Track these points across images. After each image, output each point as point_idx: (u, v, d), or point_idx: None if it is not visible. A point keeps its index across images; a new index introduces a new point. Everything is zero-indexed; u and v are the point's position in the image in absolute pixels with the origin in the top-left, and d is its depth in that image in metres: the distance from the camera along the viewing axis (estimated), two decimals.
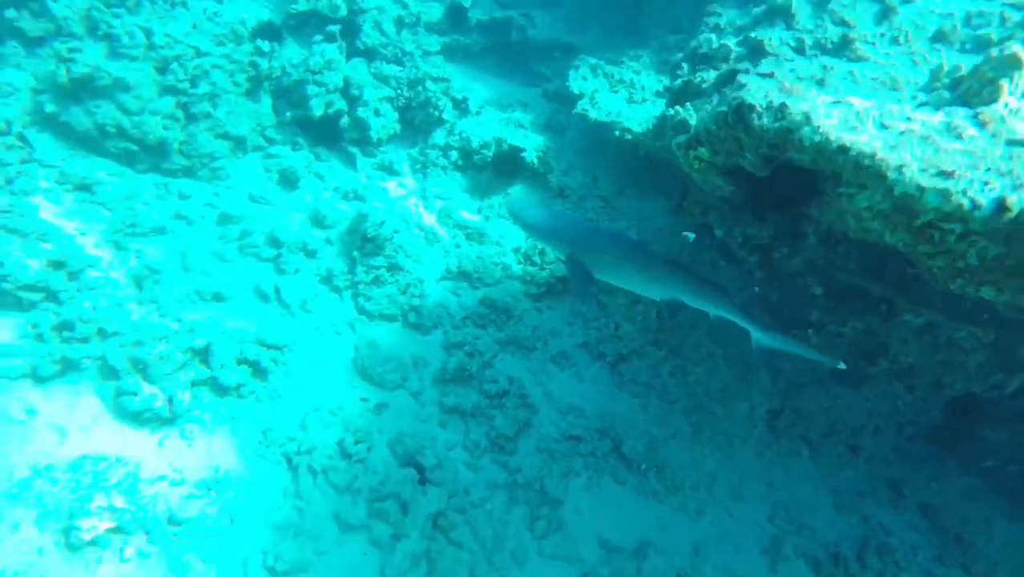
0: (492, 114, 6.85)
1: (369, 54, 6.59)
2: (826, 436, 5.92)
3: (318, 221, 5.93)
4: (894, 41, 3.86)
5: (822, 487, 5.75)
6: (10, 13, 5.48)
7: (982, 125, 2.31)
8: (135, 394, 4.31)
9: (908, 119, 2.36)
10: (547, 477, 4.91)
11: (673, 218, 6.19)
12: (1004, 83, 2.39)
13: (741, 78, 2.75)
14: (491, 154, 6.35)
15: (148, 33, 5.42)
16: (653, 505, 5.13)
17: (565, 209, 5.70)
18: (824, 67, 3.47)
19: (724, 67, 3.93)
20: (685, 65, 4.18)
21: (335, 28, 6.30)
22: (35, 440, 4.06)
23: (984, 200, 1.91)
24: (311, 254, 5.71)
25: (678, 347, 5.87)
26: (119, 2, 5.57)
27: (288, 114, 6.16)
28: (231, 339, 4.83)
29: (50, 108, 5.37)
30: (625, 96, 6.42)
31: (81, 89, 5.32)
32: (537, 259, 6.02)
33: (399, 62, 6.56)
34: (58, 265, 4.62)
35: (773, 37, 3.91)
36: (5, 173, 5.04)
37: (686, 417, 5.67)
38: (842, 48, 3.79)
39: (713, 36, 4.18)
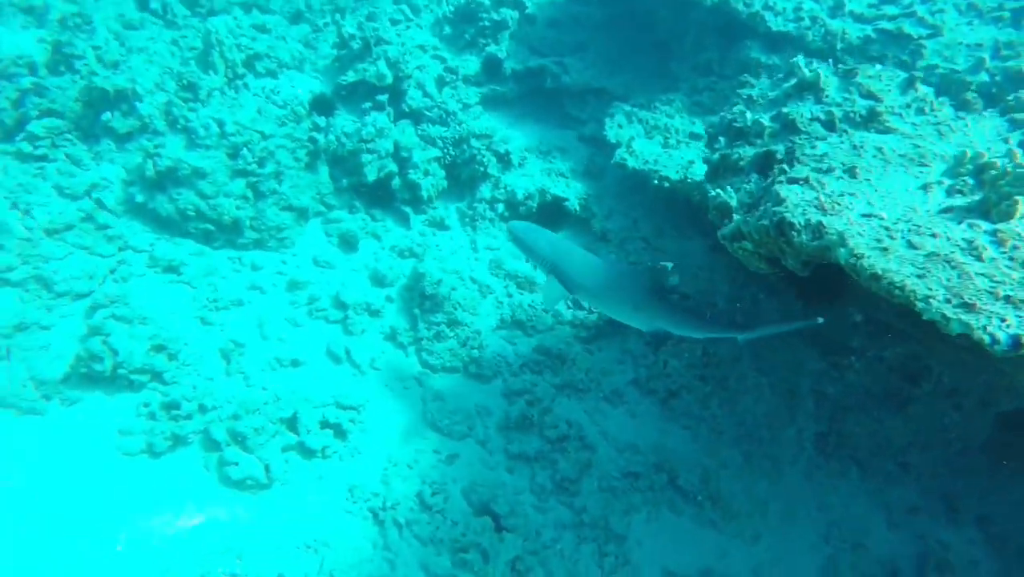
0: (534, 163, 7.21)
1: (415, 116, 7.01)
2: (874, 455, 6.13)
3: (379, 280, 6.38)
4: (920, 111, 4.12)
5: (874, 505, 5.97)
6: (105, 116, 6.06)
7: (1000, 244, 2.59)
8: (236, 464, 4.81)
9: (933, 235, 2.65)
10: (610, 514, 5.28)
11: (712, 256, 6.47)
12: (1019, 199, 2.66)
13: (780, 190, 3.04)
14: (536, 205, 6.73)
15: (220, 123, 5.92)
16: (711, 534, 5.46)
17: (565, 238, 5.90)
18: (854, 148, 3.75)
19: (759, 142, 4.23)
20: (722, 139, 4.48)
21: (383, 97, 6.75)
22: (155, 511, 4.59)
23: (1002, 336, 2.19)
24: (375, 313, 6.17)
25: (724, 380, 6.17)
26: (193, 95, 6.11)
27: (344, 181, 6.62)
28: (313, 404, 5.30)
29: (140, 198, 5.93)
30: (660, 141, 6.73)
31: (165, 179, 5.86)
32: (586, 304, 6.37)
33: (443, 122, 6.96)
34: (159, 348, 5.15)
35: (804, 113, 4.19)
36: (108, 264, 5.61)
37: (736, 446, 5.96)
38: (870, 120, 4.07)
39: (747, 110, 4.47)
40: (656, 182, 6.20)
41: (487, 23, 7.99)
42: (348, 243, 6.54)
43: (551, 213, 6.80)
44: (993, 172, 3.13)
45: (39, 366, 4.97)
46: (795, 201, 2.95)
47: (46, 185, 5.96)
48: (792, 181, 3.18)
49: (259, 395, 5.25)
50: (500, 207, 6.80)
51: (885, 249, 2.58)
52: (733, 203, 3.85)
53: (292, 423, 5.10)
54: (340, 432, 5.27)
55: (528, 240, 4.86)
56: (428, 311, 6.04)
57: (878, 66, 4.60)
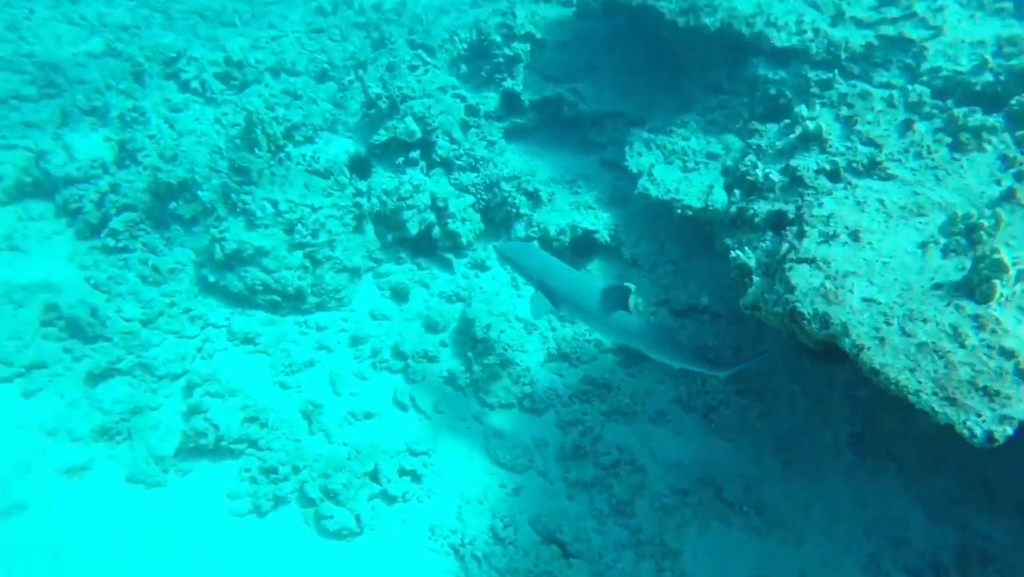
0: (562, 197, 7.63)
1: (446, 164, 7.48)
2: (909, 449, 6.51)
3: (432, 327, 6.96)
4: (918, 156, 4.44)
5: (913, 500, 6.35)
6: (172, 205, 6.71)
7: (981, 328, 2.96)
8: (331, 517, 5.48)
9: (924, 321, 3.04)
10: (665, 531, 5.82)
11: None
12: (996, 283, 3.01)
13: (791, 277, 3.43)
14: (568, 239, 7.18)
15: (274, 203, 6.52)
16: (758, 541, 5.95)
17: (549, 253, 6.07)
18: (858, 204, 4.12)
19: (771, 196, 4.61)
20: (737, 191, 4.85)
21: (415, 153, 7.24)
22: (269, 564, 5.31)
23: (979, 432, 2.58)
24: (432, 359, 6.75)
25: (761, 392, 6.60)
26: (246, 178, 6.70)
27: (389, 237, 7.17)
28: (389, 454, 5.94)
29: (212, 278, 6.59)
30: (680, 165, 7.08)
31: (232, 260, 6.50)
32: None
33: (474, 168, 7.42)
34: (251, 419, 5.84)
35: (810, 165, 4.55)
36: (195, 343, 6.31)
37: (775, 455, 6.41)
38: (872, 169, 4.41)
39: (759, 162, 4.83)
40: (679, 211, 6.58)
41: (501, 59, 8.37)
42: (399, 294, 7.11)
43: (583, 245, 7.24)
44: (982, 232, 3.49)
45: (154, 444, 5.72)
46: (804, 289, 3.36)
47: (131, 275, 6.68)
48: (801, 261, 3.58)
49: (341, 451, 5.91)
50: (535, 243, 7.26)
51: (882, 340, 2.99)
52: (752, 264, 4.27)
53: (374, 475, 5.75)
54: (416, 477, 5.90)
55: (516, 258, 5.47)
56: (481, 354, 6.59)
57: (879, 100, 4.89)
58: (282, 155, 7.15)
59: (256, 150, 7.09)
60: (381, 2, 10.93)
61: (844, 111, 4.83)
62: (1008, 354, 2.82)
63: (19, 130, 7.63)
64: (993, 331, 2.93)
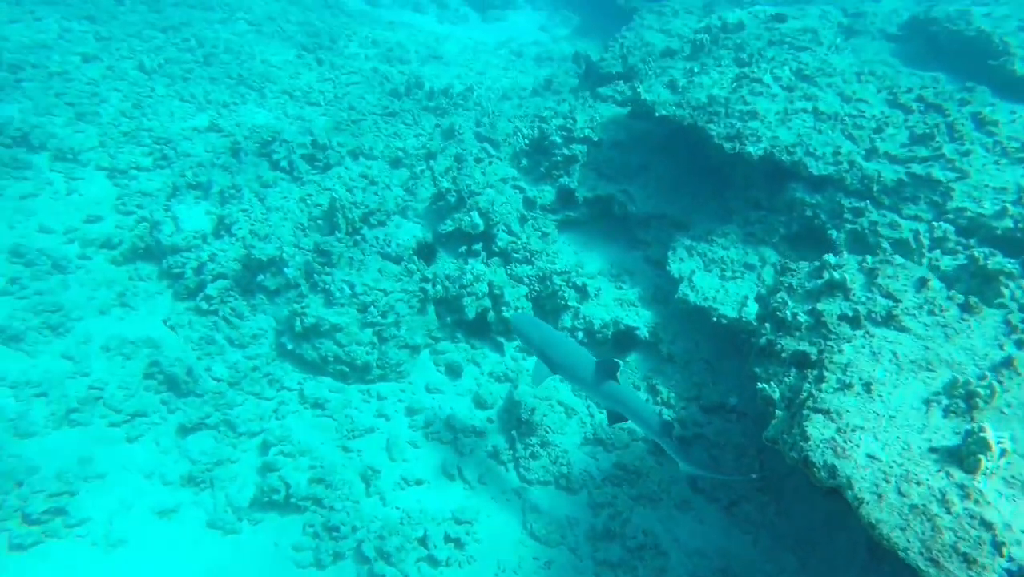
0: (607, 291, 8.34)
1: (504, 255, 8.28)
2: None
3: (480, 404, 7.66)
4: (930, 312, 5.04)
5: None
6: (260, 277, 7.62)
7: (966, 497, 3.53)
8: (383, 575, 6.14)
9: (918, 484, 3.63)
10: None
11: None
12: (982, 457, 3.58)
13: (807, 427, 4.06)
14: (610, 333, 7.86)
15: (351, 285, 7.37)
16: None
17: (550, 326, 6.73)
18: (874, 355, 4.73)
19: (798, 335, 5.25)
20: (768, 324, 5.51)
21: (478, 246, 8.06)
22: None
23: None
24: (479, 434, 7.43)
25: (780, 490, 7.10)
26: (327, 260, 7.58)
27: (448, 318, 7.95)
28: (436, 521, 6.59)
29: (289, 346, 7.43)
30: (718, 273, 7.74)
31: (310, 332, 7.33)
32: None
33: (529, 261, 8.21)
34: (318, 480, 6.57)
35: (834, 311, 5.19)
36: (271, 405, 7.12)
37: (793, 551, 6.88)
38: (889, 320, 5.02)
39: (788, 299, 5.49)
40: (715, 319, 7.23)
41: (559, 158, 9.23)
42: (453, 371, 7.85)
43: (624, 339, 7.91)
44: (978, 399, 4.08)
45: (232, 494, 6.47)
46: (817, 440, 3.97)
47: (220, 336, 7.57)
48: (817, 411, 4.20)
49: (394, 514, 6.58)
50: (580, 335, 7.96)
51: (880, 496, 3.57)
52: (776, 397, 4.89)
53: (423, 540, 6.38)
54: (459, 544, 6.52)
55: (523, 330, 6.20)
56: (524, 434, 7.25)
57: (898, 258, 5.52)
58: (358, 237, 8.06)
59: (336, 232, 8.02)
60: (449, 87, 11.99)
61: (868, 263, 5.46)
62: (987, 526, 3.37)
63: (136, 198, 8.72)
64: (976, 501, 3.48)
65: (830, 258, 5.54)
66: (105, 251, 8.18)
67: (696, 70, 8.96)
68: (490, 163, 9.40)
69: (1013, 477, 3.68)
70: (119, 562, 5.81)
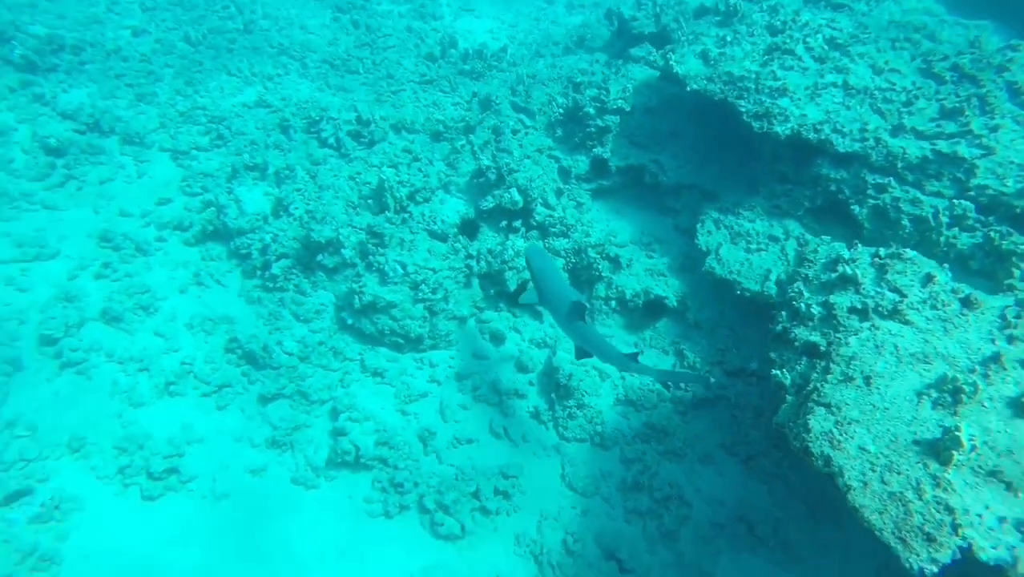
0: (639, 261, 8.88)
1: (542, 228, 8.84)
2: None
3: (522, 368, 8.46)
4: (933, 307, 5.53)
5: None
6: (319, 257, 8.38)
7: (936, 486, 4.14)
8: (442, 524, 7.16)
9: (899, 473, 4.26)
10: (703, 557, 7.24)
11: None
12: (954, 453, 4.16)
13: (809, 420, 4.70)
14: (641, 302, 8.47)
15: (403, 265, 8.08)
16: (782, 573, 7.32)
17: (552, 260, 7.46)
18: (877, 348, 5.29)
19: (811, 324, 5.81)
20: (783, 313, 6.06)
21: (517, 222, 8.62)
22: (397, 556, 7.05)
23: (915, 567, 3.79)
24: (522, 396, 8.27)
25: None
26: (380, 241, 8.26)
27: (492, 291, 8.65)
28: (486, 476, 7.54)
29: (350, 321, 8.27)
30: (744, 246, 8.19)
31: (368, 308, 8.13)
32: (683, 385, 8.17)
33: (565, 235, 8.76)
34: (382, 443, 7.54)
35: (844, 304, 5.72)
36: (337, 375, 8.04)
37: (803, 501, 7.68)
38: (894, 313, 5.54)
39: (804, 290, 6.01)
40: (739, 292, 7.77)
41: (593, 129, 9.56)
42: (497, 338, 8.62)
43: (654, 307, 8.53)
44: (963, 395, 4.67)
45: (310, 455, 7.50)
46: (817, 432, 4.62)
47: (287, 312, 8.43)
48: (820, 404, 4.84)
49: (450, 471, 7.56)
50: (613, 303, 8.60)
51: (866, 484, 4.24)
52: (787, 383, 5.53)
53: (476, 493, 7.36)
54: (506, 496, 7.49)
55: (530, 259, 6.87)
56: (562, 396, 8.06)
57: (910, 252, 5.94)
58: (406, 215, 8.69)
59: (386, 212, 8.65)
60: (483, 48, 12.16)
61: (881, 256, 5.90)
62: (950, 510, 4.02)
63: (199, 180, 9.45)
64: (945, 489, 4.13)
65: (844, 252, 6.00)
66: (178, 233, 9.01)
67: (728, 39, 9.03)
68: (526, 134, 9.79)
69: (979, 467, 4.31)
70: (226, 511, 6.94)
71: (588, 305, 6.15)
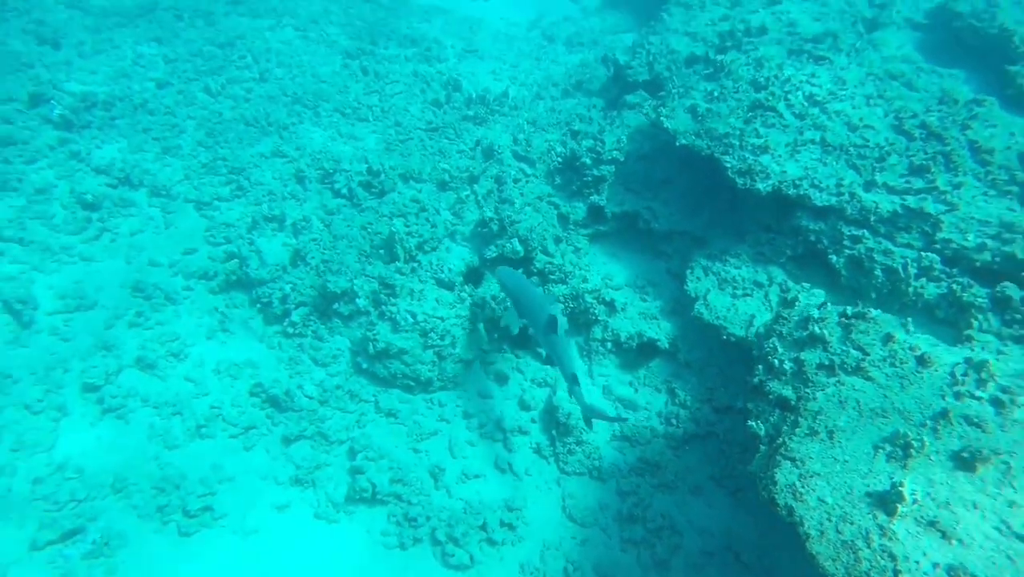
0: (632, 304, 9.52)
1: (543, 275, 9.49)
2: None
3: (524, 406, 9.10)
4: (892, 364, 6.14)
5: None
6: (335, 305, 9.06)
7: (883, 535, 4.74)
8: (453, 555, 7.80)
9: (852, 524, 4.87)
10: None
11: None
12: (899, 505, 4.78)
13: (776, 473, 5.32)
14: (635, 344, 9.11)
15: (414, 314, 8.74)
16: None
17: (523, 278, 8.27)
18: (840, 403, 5.91)
19: (784, 379, 6.44)
20: (760, 367, 6.68)
21: (519, 270, 9.28)
22: None
23: None
24: (524, 433, 8.91)
25: None
26: (391, 291, 8.93)
27: (496, 335, 9.30)
28: (492, 509, 8.17)
29: (364, 365, 8.94)
30: (730, 292, 8.82)
31: (381, 354, 8.80)
32: (675, 421, 8.80)
33: (564, 281, 9.41)
34: (396, 480, 8.19)
35: (813, 361, 6.34)
36: (354, 417, 8.70)
37: (789, 529, 8.27)
38: (857, 371, 6.16)
39: (779, 346, 6.63)
40: (724, 337, 8.40)
41: (589, 178, 10.21)
42: (501, 379, 9.27)
43: (647, 349, 9.16)
44: (912, 450, 5.28)
45: (330, 491, 8.16)
46: (782, 484, 5.24)
47: (306, 357, 9.11)
48: (787, 458, 5.46)
49: (459, 504, 8.20)
50: (608, 344, 9.24)
51: (823, 533, 4.85)
52: (762, 433, 6.15)
53: (483, 526, 8.01)
54: (511, 527, 8.12)
55: (503, 281, 7.84)
56: (562, 434, 8.69)
57: (873, 312, 6.56)
58: (415, 264, 9.36)
59: (396, 262, 9.32)
60: (486, 92, 12.84)
61: (847, 314, 6.52)
62: (892, 557, 4.63)
63: (222, 230, 10.16)
64: (890, 538, 4.73)
65: (814, 312, 6.62)
66: (204, 282, 9.71)
67: (716, 94, 9.68)
68: (527, 182, 10.46)
69: (921, 517, 4.92)
70: (256, 546, 7.60)
71: (562, 317, 6.90)
